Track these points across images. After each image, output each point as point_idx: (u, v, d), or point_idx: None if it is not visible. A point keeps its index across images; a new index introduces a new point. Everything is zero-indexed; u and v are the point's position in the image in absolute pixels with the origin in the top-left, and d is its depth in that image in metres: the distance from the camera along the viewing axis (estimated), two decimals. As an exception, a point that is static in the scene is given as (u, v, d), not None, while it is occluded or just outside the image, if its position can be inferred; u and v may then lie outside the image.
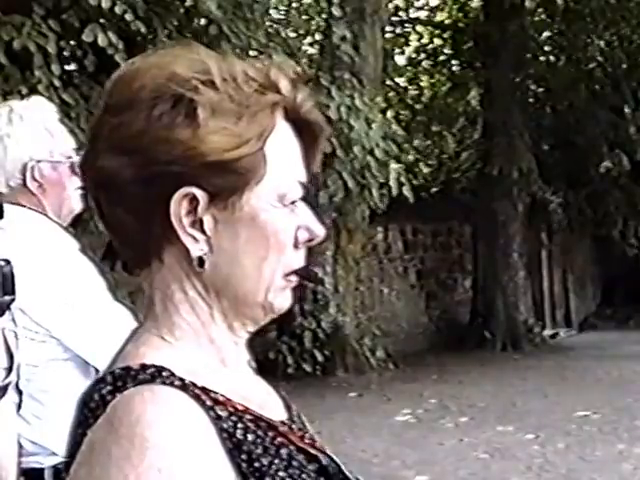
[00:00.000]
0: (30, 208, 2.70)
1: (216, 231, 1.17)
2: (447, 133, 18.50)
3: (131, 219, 1.17)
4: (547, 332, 17.53)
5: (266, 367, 11.21)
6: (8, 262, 2.23)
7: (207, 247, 1.17)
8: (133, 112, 1.15)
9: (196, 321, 1.19)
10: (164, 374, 1.12)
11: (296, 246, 1.21)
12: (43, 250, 2.65)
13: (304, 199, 1.23)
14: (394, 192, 10.19)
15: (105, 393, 1.12)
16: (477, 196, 16.97)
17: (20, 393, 2.39)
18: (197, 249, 1.16)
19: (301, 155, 1.23)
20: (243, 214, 1.17)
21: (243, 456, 1.11)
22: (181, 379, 1.12)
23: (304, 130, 1.23)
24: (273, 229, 1.18)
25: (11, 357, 2.27)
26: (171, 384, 1.11)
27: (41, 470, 2.64)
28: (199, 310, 1.19)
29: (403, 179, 10.17)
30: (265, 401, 1.24)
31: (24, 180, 2.69)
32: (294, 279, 1.22)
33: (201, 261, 1.17)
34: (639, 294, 18.56)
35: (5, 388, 2.25)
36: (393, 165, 10.16)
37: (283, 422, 1.22)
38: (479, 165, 17.49)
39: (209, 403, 1.12)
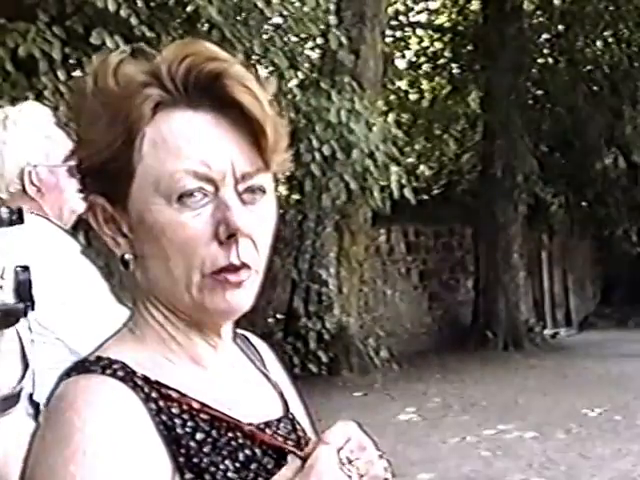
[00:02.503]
0: (31, 212, 2.67)
1: (135, 235, 1.17)
2: (448, 136, 18.57)
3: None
4: (548, 331, 17.58)
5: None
6: (26, 268, 2.23)
7: (131, 250, 1.18)
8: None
9: (153, 321, 1.20)
10: (115, 366, 1.13)
11: (220, 242, 1.14)
12: (45, 253, 2.63)
13: (231, 190, 1.14)
14: (395, 194, 10.25)
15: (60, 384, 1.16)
16: (478, 198, 17.02)
17: (37, 406, 2.33)
18: (120, 252, 1.19)
19: (220, 140, 1.15)
20: (134, 216, 1.16)
21: (182, 450, 1.11)
22: (128, 372, 1.13)
23: (232, 112, 1.15)
24: (160, 228, 1.14)
25: (26, 364, 2.27)
26: (112, 374, 1.12)
27: None
28: (152, 310, 1.20)
29: (404, 181, 10.23)
30: (240, 402, 1.21)
31: (23, 185, 2.68)
32: (229, 276, 1.15)
33: (125, 263, 1.19)
34: (638, 294, 18.60)
35: (18, 395, 2.24)
36: (393, 168, 10.20)
37: (259, 424, 1.20)
38: (480, 167, 17.55)
39: (154, 395, 1.12)
